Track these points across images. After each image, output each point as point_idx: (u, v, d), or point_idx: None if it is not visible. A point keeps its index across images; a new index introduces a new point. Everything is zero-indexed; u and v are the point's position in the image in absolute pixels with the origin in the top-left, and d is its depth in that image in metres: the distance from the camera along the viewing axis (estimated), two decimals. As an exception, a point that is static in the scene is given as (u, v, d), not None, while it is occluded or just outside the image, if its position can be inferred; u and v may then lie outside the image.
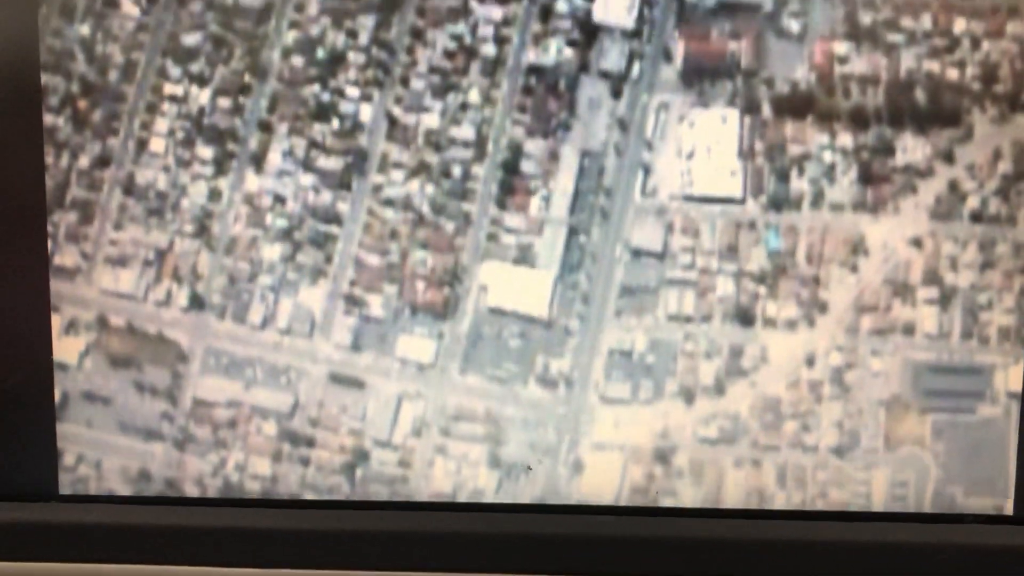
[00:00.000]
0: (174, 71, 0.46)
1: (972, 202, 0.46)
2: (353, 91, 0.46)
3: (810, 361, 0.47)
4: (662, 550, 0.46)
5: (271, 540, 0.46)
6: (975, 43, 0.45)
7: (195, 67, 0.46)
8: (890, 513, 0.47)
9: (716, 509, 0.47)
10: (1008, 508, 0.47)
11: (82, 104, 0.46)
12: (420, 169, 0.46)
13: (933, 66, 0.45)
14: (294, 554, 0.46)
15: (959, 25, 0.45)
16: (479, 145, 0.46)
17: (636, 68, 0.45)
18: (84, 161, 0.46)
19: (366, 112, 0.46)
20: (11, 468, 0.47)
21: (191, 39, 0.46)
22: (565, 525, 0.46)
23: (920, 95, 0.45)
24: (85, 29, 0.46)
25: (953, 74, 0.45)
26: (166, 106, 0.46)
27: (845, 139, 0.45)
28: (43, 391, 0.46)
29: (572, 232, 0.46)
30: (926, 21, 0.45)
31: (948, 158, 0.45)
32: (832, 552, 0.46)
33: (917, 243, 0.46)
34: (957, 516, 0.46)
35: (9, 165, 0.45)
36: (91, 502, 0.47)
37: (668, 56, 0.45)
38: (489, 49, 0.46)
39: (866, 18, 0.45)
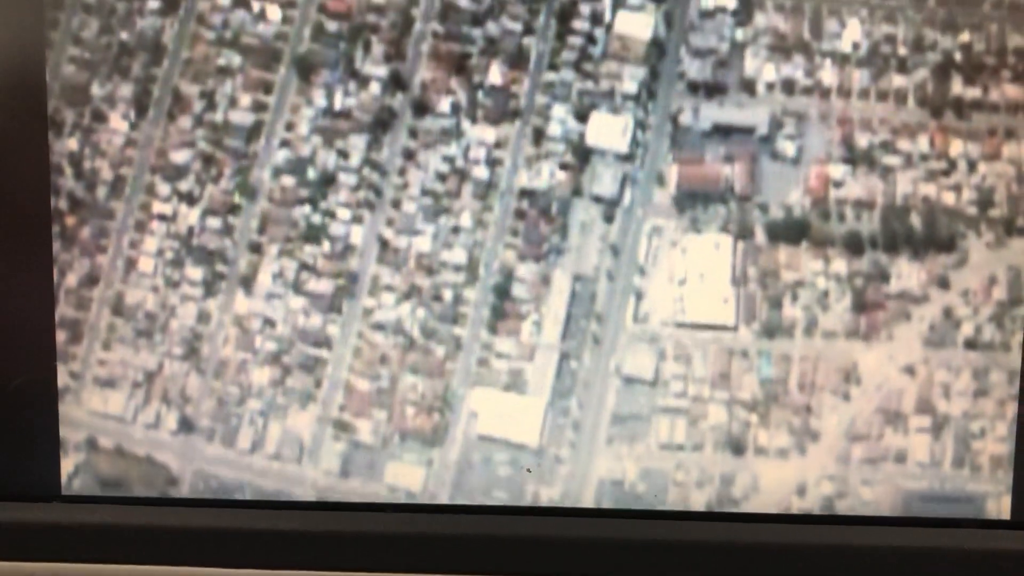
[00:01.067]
0: (163, 189, 0.46)
1: (966, 329, 0.45)
2: (344, 213, 0.46)
3: (801, 491, 0.46)
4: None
5: (274, 541, 0.46)
6: (972, 166, 0.45)
7: (184, 185, 0.46)
8: (887, 517, 0.46)
9: (713, 513, 0.46)
10: (1005, 512, 0.46)
11: (70, 220, 0.46)
12: (411, 292, 0.46)
13: (929, 190, 0.45)
14: (297, 555, 0.46)
15: (956, 148, 0.45)
16: (471, 269, 0.45)
17: (629, 192, 0.45)
18: (72, 279, 0.46)
19: (357, 234, 0.45)
20: (14, 469, 0.46)
21: (180, 156, 0.46)
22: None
23: (915, 220, 0.45)
24: (73, 143, 0.46)
25: (949, 198, 0.45)
26: (155, 224, 0.46)
27: (839, 265, 0.45)
28: (46, 393, 0.46)
29: (563, 358, 0.46)
30: (923, 143, 0.45)
31: (943, 284, 0.45)
32: (831, 557, 0.45)
33: (910, 371, 0.46)
34: (955, 520, 0.46)
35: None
36: (94, 503, 0.47)
37: (661, 180, 0.45)
38: (481, 172, 0.45)
39: (863, 140, 0.45)
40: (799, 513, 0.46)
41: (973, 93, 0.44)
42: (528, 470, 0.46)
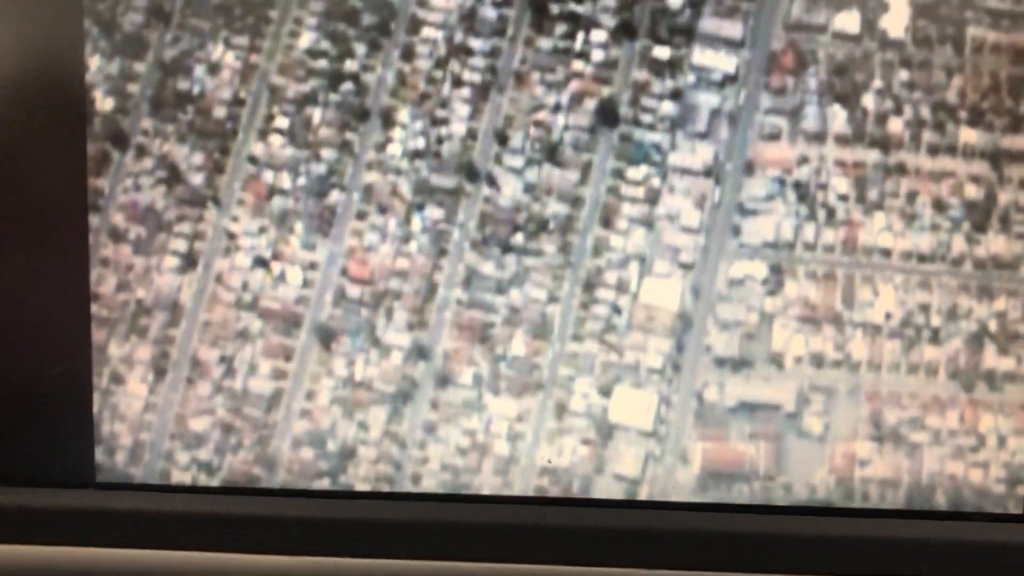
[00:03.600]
0: (182, 457, 0.46)
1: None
2: (363, 486, 0.46)
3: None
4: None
5: (302, 527, 0.45)
6: (1002, 441, 0.44)
7: (203, 454, 0.46)
8: (898, 510, 0.44)
9: (716, 504, 0.45)
10: (1018, 506, 0.44)
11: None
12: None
13: (956, 468, 0.44)
14: (322, 541, 0.45)
15: (986, 423, 0.44)
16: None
17: (651, 470, 0.45)
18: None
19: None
20: (50, 456, 0.46)
21: (199, 423, 0.46)
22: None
23: (941, 498, 0.44)
24: (94, 406, 0.46)
25: (976, 475, 0.44)
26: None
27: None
28: (82, 381, 0.46)
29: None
30: (953, 419, 0.44)
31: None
32: (841, 548, 0.43)
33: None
34: (966, 514, 0.44)
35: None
36: (127, 489, 0.46)
37: (685, 459, 0.45)
38: (502, 447, 0.45)
39: (891, 416, 0.44)
40: (806, 505, 0.45)
41: (1007, 364, 0.44)
42: (548, 460, 0.45)
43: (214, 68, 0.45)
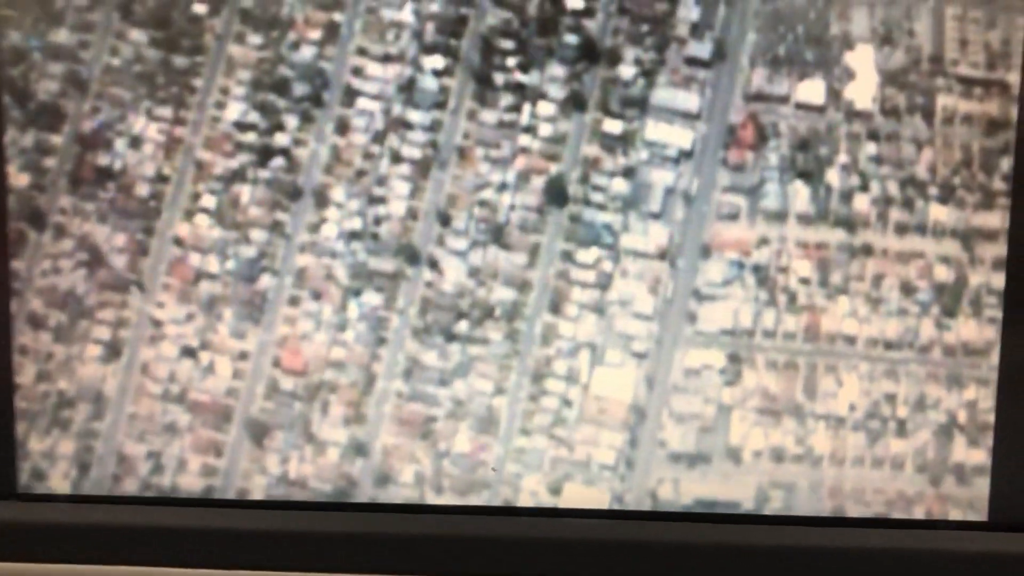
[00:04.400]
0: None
1: None
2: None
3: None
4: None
5: (230, 539, 0.42)
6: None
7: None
8: (864, 519, 0.43)
9: (687, 513, 0.43)
10: (983, 514, 0.43)
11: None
12: None
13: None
14: (255, 553, 0.42)
15: (955, 516, 0.42)
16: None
17: (605, 574, 0.43)
18: None
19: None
20: None
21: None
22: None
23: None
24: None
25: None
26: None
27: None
28: (1, 388, 0.43)
29: None
30: (919, 514, 0.42)
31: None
32: (807, 557, 0.42)
33: None
34: (931, 522, 0.43)
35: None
36: (50, 501, 0.43)
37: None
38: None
39: (854, 512, 0.42)
40: (771, 515, 0.43)
41: (977, 457, 0.42)
42: (493, 469, 0.43)
43: (136, 142, 0.42)
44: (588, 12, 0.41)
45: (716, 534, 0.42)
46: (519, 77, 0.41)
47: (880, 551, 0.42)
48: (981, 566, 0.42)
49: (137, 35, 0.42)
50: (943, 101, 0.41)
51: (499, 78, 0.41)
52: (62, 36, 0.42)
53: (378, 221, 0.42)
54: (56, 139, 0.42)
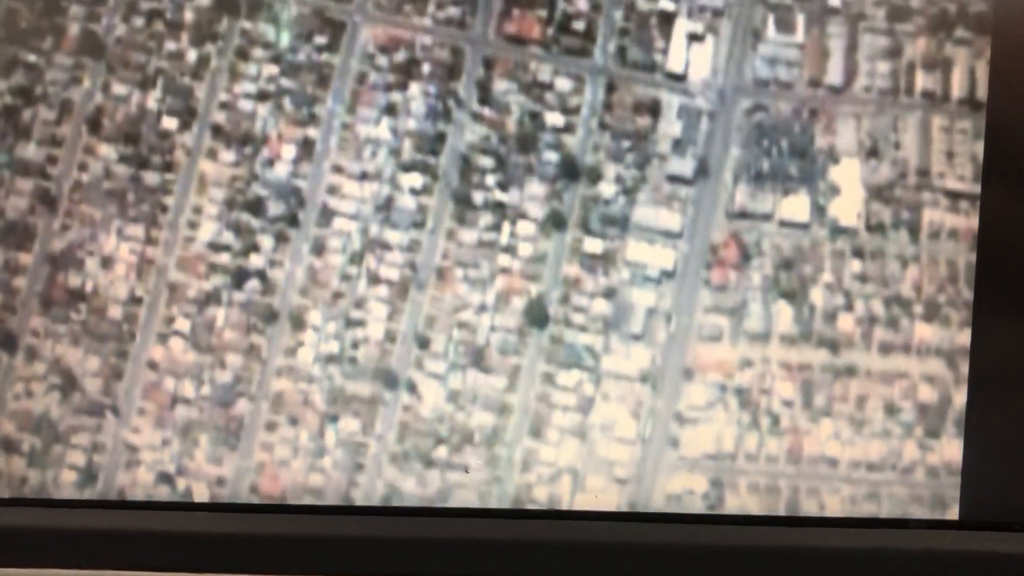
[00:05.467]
0: None
1: None
2: None
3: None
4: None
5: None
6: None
7: None
8: (833, 518, 0.42)
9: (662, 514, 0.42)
10: (954, 513, 0.42)
11: None
12: None
13: None
14: (192, 556, 0.41)
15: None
16: None
17: None
18: None
19: None
20: None
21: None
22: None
23: None
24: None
25: None
26: None
27: None
28: None
29: None
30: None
31: None
32: (775, 557, 0.41)
33: None
34: (902, 521, 0.42)
35: None
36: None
37: None
38: None
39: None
40: (738, 514, 0.42)
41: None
42: (466, 470, 0.42)
43: (107, 262, 0.41)
44: (568, 128, 0.40)
45: (685, 534, 0.41)
46: (498, 195, 0.40)
47: (847, 551, 0.41)
48: (950, 565, 0.41)
49: (106, 150, 0.41)
50: (929, 216, 0.40)
51: (478, 197, 0.40)
52: (30, 151, 0.41)
53: (355, 344, 0.41)
54: (26, 258, 0.41)
